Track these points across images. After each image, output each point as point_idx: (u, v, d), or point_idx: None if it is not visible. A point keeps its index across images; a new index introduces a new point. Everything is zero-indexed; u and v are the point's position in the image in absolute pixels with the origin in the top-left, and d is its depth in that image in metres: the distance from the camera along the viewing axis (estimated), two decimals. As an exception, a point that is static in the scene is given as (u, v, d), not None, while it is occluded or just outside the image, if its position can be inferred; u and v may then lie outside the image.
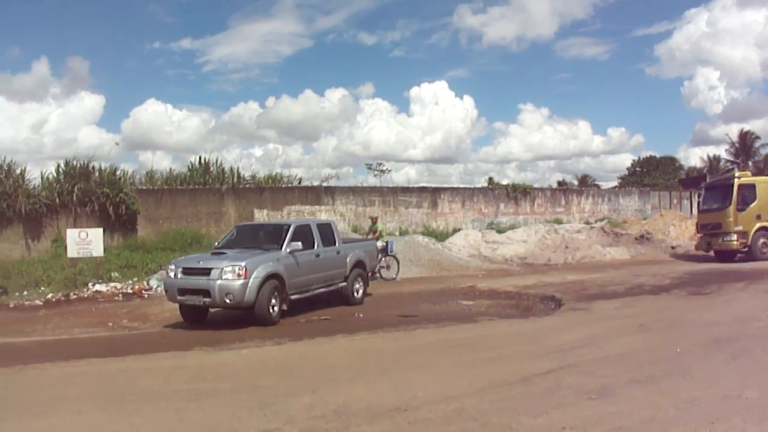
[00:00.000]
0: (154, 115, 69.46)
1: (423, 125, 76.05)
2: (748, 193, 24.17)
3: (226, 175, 27.94)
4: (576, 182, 63.77)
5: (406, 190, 31.09)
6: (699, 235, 25.95)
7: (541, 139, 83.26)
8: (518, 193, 33.92)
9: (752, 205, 23.96)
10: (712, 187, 26.94)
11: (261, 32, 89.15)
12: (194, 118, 76.87)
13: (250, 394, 7.48)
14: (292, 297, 13.41)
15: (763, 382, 7.26)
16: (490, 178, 39.08)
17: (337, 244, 15.44)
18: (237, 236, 14.77)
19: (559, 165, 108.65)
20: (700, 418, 6.07)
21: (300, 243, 13.55)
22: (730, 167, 71.16)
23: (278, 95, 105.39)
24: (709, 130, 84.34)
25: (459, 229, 29.60)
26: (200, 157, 29.14)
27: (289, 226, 14.07)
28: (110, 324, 14.13)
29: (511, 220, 32.62)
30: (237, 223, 20.42)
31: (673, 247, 27.95)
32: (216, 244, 14.92)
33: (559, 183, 62.67)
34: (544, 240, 27.81)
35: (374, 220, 22.78)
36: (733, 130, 73.99)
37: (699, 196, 27.59)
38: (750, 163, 73.23)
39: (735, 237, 23.65)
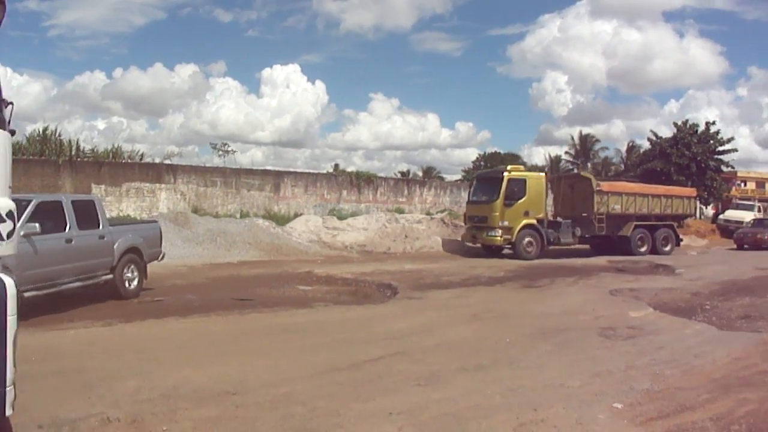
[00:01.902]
0: (-10, 77, 63.73)
1: (273, 107, 75.76)
2: (518, 188, 24.62)
3: (63, 147, 26.17)
4: (421, 173, 65.59)
5: (250, 173, 30.65)
6: (466, 226, 26.62)
7: (390, 128, 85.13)
8: (362, 181, 34.40)
9: (520, 201, 24.50)
10: (483, 179, 27.63)
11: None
12: (35, 85, 72.11)
13: (74, 376, 7.13)
14: (27, 294, 10.00)
15: (585, 371, 7.81)
16: (336, 165, 39.45)
17: (101, 227, 12.59)
18: None
19: (405, 155, 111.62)
20: (524, 405, 6.44)
21: (38, 224, 10.31)
22: (570, 167, 76.06)
23: (126, 67, 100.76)
24: (554, 131, 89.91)
25: (301, 214, 29.61)
26: (40, 127, 27.12)
27: (29, 203, 10.73)
28: None
29: (353, 208, 33.00)
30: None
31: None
32: None
33: (403, 173, 64.22)
34: (384, 229, 28.34)
35: None
36: (577, 133, 78.99)
37: (470, 187, 28.38)
38: (589, 165, 78.63)
39: (499, 232, 24.20)
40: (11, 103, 4.37)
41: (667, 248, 27.36)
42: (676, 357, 8.63)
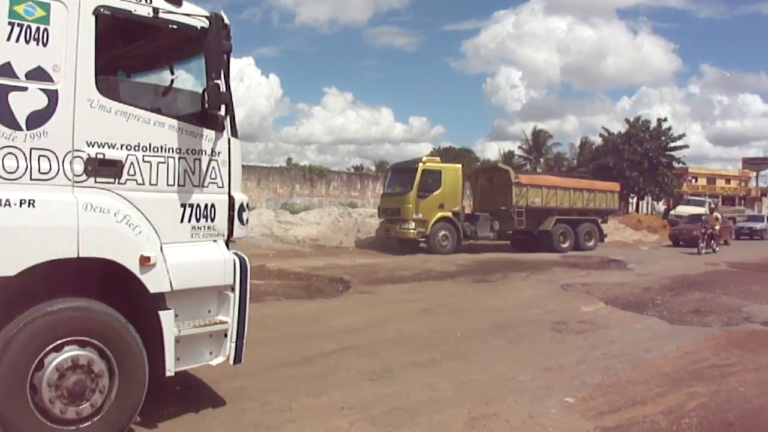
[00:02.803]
0: None
1: (226, 100, 75.08)
2: (433, 179, 24.23)
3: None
4: (374, 168, 65.67)
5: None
6: (380, 220, 26.32)
7: (344, 123, 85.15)
8: (315, 175, 34.40)
9: (435, 193, 24.16)
10: (398, 170, 27.23)
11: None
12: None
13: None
14: None
15: (537, 365, 7.88)
16: (289, 159, 39.35)
17: None
18: None
19: (359, 150, 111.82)
20: (476, 399, 6.48)
21: None
22: (523, 162, 76.95)
23: None
24: (507, 126, 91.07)
25: (253, 208, 29.38)
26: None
27: None
28: None
29: (306, 202, 32.97)
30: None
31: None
32: None
33: (356, 168, 64.21)
34: (337, 223, 28.33)
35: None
36: (530, 128, 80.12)
37: (386, 178, 28.11)
38: (542, 160, 79.68)
39: (413, 225, 23.70)
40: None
41: (591, 243, 27.09)
42: (627, 351, 8.75)
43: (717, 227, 27.06)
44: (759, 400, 6.71)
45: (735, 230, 37.13)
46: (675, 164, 56.56)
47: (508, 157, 79.55)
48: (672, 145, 55.45)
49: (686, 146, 56.67)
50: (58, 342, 4.64)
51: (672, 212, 48.23)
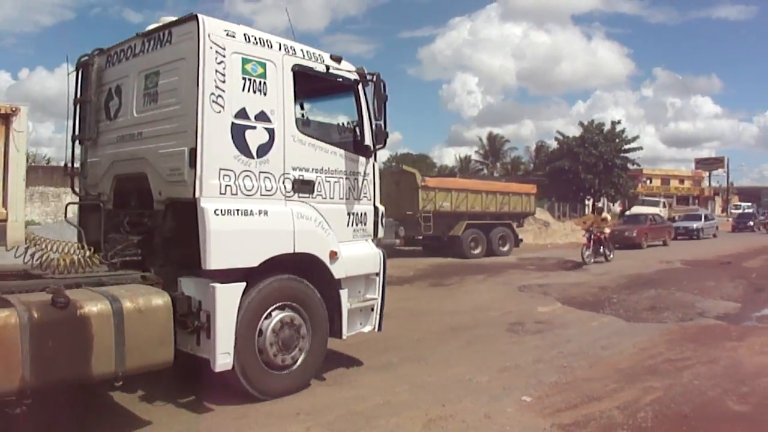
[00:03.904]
0: None
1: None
2: None
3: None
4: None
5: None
6: None
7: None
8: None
9: None
10: None
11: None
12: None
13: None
14: None
15: (494, 366, 7.95)
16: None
17: None
18: None
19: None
20: (433, 401, 6.51)
21: None
22: (480, 168, 77.56)
23: (33, 67, 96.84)
24: (464, 131, 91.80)
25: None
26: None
27: None
28: None
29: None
30: None
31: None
32: None
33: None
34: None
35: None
36: (486, 133, 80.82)
37: None
38: (498, 165, 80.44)
39: None
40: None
41: (505, 248, 26.05)
42: (584, 349, 8.89)
43: (606, 231, 23.31)
44: (713, 392, 6.88)
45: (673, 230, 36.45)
46: (629, 166, 57.49)
47: (466, 162, 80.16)
48: (626, 147, 56.35)
49: (640, 148, 57.67)
50: (278, 304, 6.50)
51: (627, 213, 48.91)
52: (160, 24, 6.67)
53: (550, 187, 58.20)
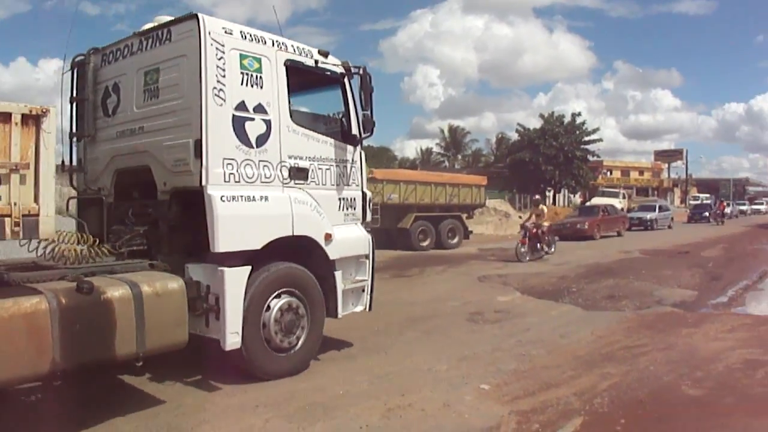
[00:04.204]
0: None
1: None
2: None
3: None
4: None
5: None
6: None
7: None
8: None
9: None
10: None
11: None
12: None
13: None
14: None
15: (453, 355, 8.00)
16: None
17: None
18: None
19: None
20: (392, 391, 6.55)
21: None
22: (441, 160, 77.87)
23: None
24: (426, 124, 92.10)
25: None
26: None
27: None
28: None
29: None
30: None
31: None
32: None
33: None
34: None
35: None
36: (448, 126, 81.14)
37: None
38: (459, 157, 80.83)
39: None
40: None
41: (454, 241, 25.86)
42: (542, 337, 8.99)
43: (544, 224, 21.39)
44: (668, 377, 7.01)
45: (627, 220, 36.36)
46: (590, 157, 58.27)
47: (427, 154, 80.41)
48: (586, 139, 57.11)
49: (600, 140, 58.50)
50: (281, 290, 6.96)
51: (587, 204, 49.54)
52: (157, 23, 7.02)
53: (511, 179, 58.77)
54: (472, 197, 27.72)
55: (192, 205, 6.45)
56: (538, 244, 20.84)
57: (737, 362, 7.57)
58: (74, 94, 7.71)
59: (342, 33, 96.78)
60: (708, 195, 76.59)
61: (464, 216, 27.22)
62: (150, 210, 6.92)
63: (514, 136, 63.46)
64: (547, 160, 54.69)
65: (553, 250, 21.46)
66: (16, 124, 5.41)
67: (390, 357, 8.02)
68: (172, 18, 6.88)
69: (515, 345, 8.54)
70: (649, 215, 40.10)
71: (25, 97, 72.58)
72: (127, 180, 7.35)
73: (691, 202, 70.66)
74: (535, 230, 20.75)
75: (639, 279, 15.07)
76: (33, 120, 5.53)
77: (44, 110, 5.59)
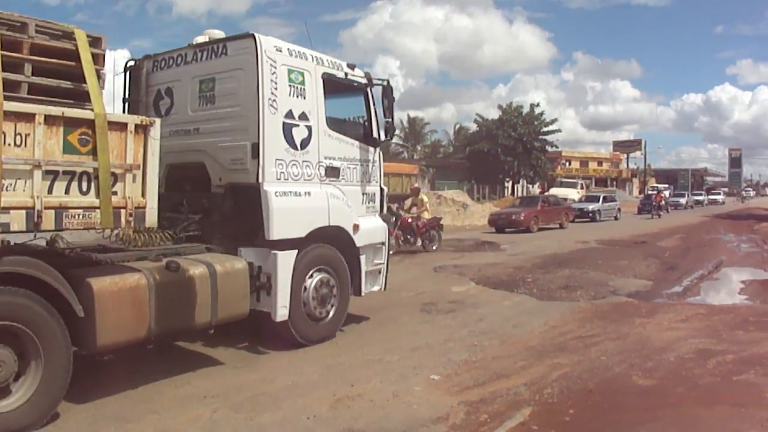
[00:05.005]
0: None
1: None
2: None
3: None
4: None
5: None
6: None
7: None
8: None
9: None
10: None
11: None
12: None
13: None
14: None
15: (405, 346, 8.04)
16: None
17: None
18: None
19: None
20: (341, 381, 6.56)
21: None
22: (400, 150, 77.90)
23: None
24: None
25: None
26: None
27: None
28: None
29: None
30: None
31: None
32: None
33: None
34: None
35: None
36: (407, 116, 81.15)
37: None
38: (419, 147, 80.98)
39: None
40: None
41: None
42: (495, 328, 9.05)
43: (425, 216, 19.98)
44: (619, 367, 7.08)
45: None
46: (548, 148, 58.84)
47: (386, 145, 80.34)
48: (545, 129, 57.63)
49: (559, 131, 59.12)
50: (317, 267, 8.14)
51: (541, 194, 50.00)
52: (209, 37, 8.18)
53: (470, 170, 59.07)
54: (403, 186, 27.56)
55: (242, 198, 7.63)
56: (411, 237, 19.59)
57: (689, 352, 7.67)
58: (127, 95, 8.58)
59: (302, 24, 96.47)
60: (667, 185, 77.88)
61: (395, 206, 26.50)
62: (204, 201, 7.84)
63: (473, 127, 63.83)
64: (506, 150, 55.11)
65: (435, 247, 19.90)
66: (131, 132, 6.30)
67: (341, 347, 8.02)
68: (227, 35, 8.07)
69: (468, 335, 8.58)
70: (590, 206, 38.70)
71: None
72: (178, 174, 8.24)
73: (649, 192, 71.79)
74: (410, 221, 19.57)
75: (594, 269, 15.22)
76: (142, 129, 6.40)
77: (152, 121, 6.51)
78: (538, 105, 58.93)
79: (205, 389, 6.33)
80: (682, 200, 60.96)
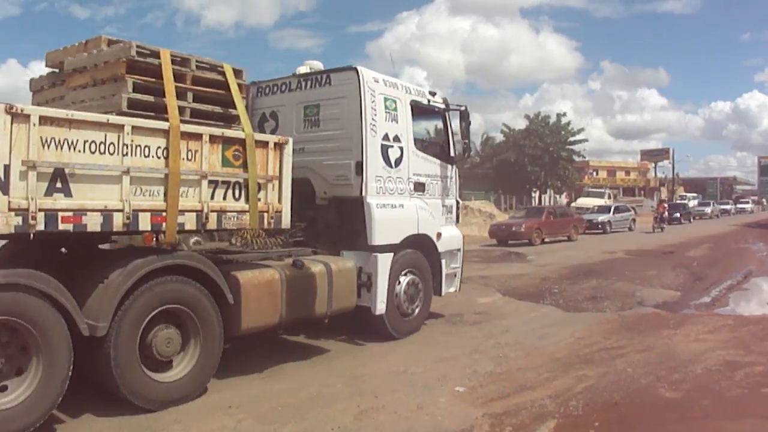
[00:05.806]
0: None
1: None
2: None
3: None
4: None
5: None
6: None
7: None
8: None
9: None
10: None
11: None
12: None
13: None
14: None
15: (430, 357, 8.03)
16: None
17: None
18: None
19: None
20: (366, 393, 6.57)
21: None
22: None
23: None
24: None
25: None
26: None
27: None
28: None
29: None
30: None
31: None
32: None
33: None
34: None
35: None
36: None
37: None
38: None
39: None
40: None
41: None
42: (521, 339, 9.02)
43: None
44: (645, 379, 7.02)
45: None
46: (575, 158, 58.44)
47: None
48: (572, 139, 57.28)
49: (586, 140, 58.80)
50: (407, 269, 9.24)
51: (573, 204, 49.66)
52: (310, 68, 9.37)
53: (496, 180, 58.87)
54: None
55: (345, 209, 8.78)
56: None
57: (716, 364, 7.60)
58: None
59: (330, 35, 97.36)
60: (695, 194, 77.00)
61: None
62: (309, 211, 8.88)
63: (499, 137, 63.65)
64: (533, 160, 54.88)
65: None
66: (271, 149, 7.28)
67: (366, 358, 8.05)
68: (326, 68, 9.21)
69: (493, 347, 8.56)
70: (600, 217, 36.98)
71: (16, 97, 72.11)
72: None
73: (679, 201, 70.91)
74: None
75: (621, 279, 15.17)
76: (279, 146, 7.37)
77: (286, 140, 7.48)
78: (564, 114, 58.70)
79: (230, 399, 6.34)
80: (707, 209, 60.28)
